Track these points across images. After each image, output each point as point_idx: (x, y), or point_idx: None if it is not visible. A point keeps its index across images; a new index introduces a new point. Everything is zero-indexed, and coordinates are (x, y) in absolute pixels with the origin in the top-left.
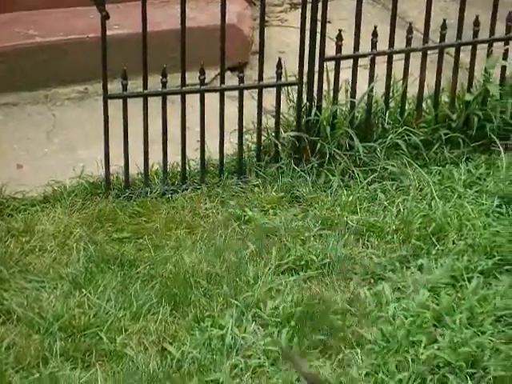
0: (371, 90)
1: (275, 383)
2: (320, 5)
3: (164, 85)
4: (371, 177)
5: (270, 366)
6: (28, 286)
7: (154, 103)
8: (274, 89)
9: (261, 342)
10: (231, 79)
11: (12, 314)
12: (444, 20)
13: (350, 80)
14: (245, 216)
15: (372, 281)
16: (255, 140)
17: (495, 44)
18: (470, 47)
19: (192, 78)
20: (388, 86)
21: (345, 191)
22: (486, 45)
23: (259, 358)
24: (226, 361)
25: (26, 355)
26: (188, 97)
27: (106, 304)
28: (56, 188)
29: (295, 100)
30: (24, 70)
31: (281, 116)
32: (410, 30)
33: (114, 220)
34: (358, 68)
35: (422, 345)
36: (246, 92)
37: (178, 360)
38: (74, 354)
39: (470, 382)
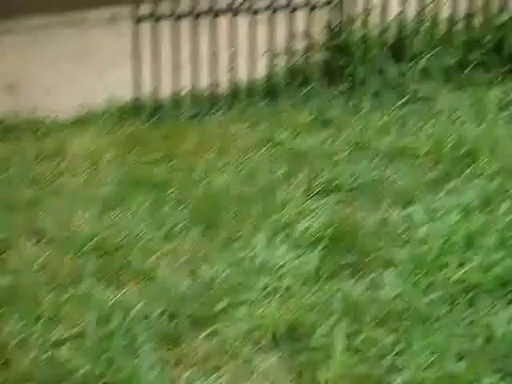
0: (403, 12)
1: (306, 303)
2: None
3: (194, 7)
4: (403, 99)
5: (300, 286)
6: (60, 207)
7: (185, 27)
8: (306, 11)
9: (292, 263)
10: (262, 1)
11: (45, 234)
12: None
13: (383, 1)
14: (275, 138)
15: (402, 203)
16: (286, 62)
17: None
18: None
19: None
20: (420, 8)
21: (376, 114)
22: None
23: (290, 279)
24: (256, 281)
25: (59, 275)
26: (219, 19)
27: (137, 225)
28: (87, 111)
29: (326, 22)
30: None
31: (312, 38)
32: None
33: (145, 142)
34: None
35: (453, 266)
36: (276, 16)
37: (209, 281)
38: (106, 274)
39: (499, 303)
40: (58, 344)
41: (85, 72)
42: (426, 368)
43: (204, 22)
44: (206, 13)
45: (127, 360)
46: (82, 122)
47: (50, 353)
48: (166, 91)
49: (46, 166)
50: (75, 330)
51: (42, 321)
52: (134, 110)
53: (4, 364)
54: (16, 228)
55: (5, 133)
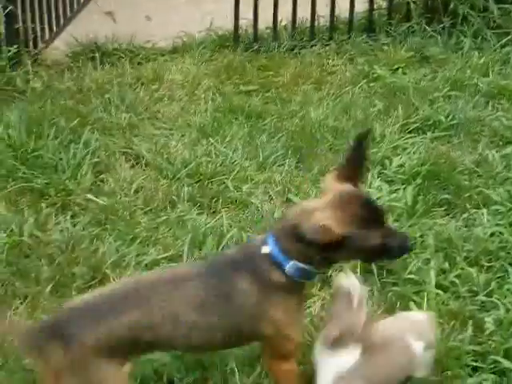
0: None
1: None
2: None
3: None
4: (505, 40)
5: (394, 221)
6: (157, 133)
7: None
8: None
9: (386, 197)
10: None
11: (141, 158)
12: None
13: None
14: (373, 74)
15: (501, 143)
16: None
17: None
18: None
19: None
20: None
21: (476, 53)
22: None
23: None
24: None
25: (154, 198)
26: None
27: (232, 153)
28: (185, 39)
29: None
30: None
31: None
32: None
33: (242, 72)
34: None
35: None
36: None
37: None
38: (201, 200)
39: None
40: (153, 265)
41: (184, 0)
42: None
43: None
44: None
45: None
46: (180, 50)
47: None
48: (265, 22)
49: (144, 92)
50: (169, 252)
51: (137, 242)
52: (233, 39)
53: (100, 281)
54: (114, 151)
55: (104, 58)
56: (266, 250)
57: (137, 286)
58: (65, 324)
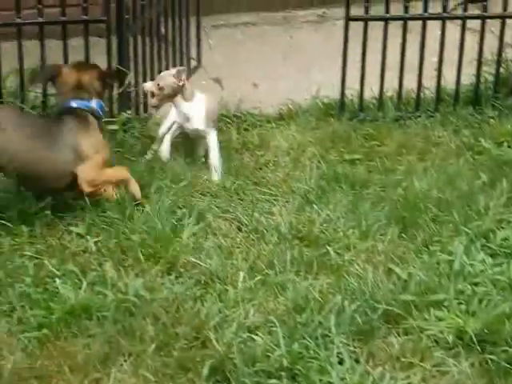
0: None
1: (502, 312)
2: None
3: (406, 9)
4: None
5: (497, 295)
6: (261, 198)
7: (394, 30)
8: None
9: (489, 271)
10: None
11: (245, 222)
12: None
13: None
14: (478, 146)
15: None
16: (493, 72)
17: None
18: None
19: (433, 7)
20: None
21: None
22: None
23: (487, 287)
24: (452, 285)
25: (259, 260)
26: (428, 25)
27: (335, 220)
28: (291, 107)
29: None
30: None
31: None
32: None
33: (347, 141)
34: None
35: None
36: (487, 24)
37: (405, 280)
38: (303, 264)
39: None
40: (254, 327)
41: (291, 69)
42: None
43: (413, 27)
44: (417, 18)
45: (319, 351)
46: (286, 117)
47: (245, 335)
48: (370, 92)
49: (249, 157)
50: (270, 316)
51: (239, 304)
52: (338, 108)
53: (202, 343)
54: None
55: None
56: None
57: None
58: None
